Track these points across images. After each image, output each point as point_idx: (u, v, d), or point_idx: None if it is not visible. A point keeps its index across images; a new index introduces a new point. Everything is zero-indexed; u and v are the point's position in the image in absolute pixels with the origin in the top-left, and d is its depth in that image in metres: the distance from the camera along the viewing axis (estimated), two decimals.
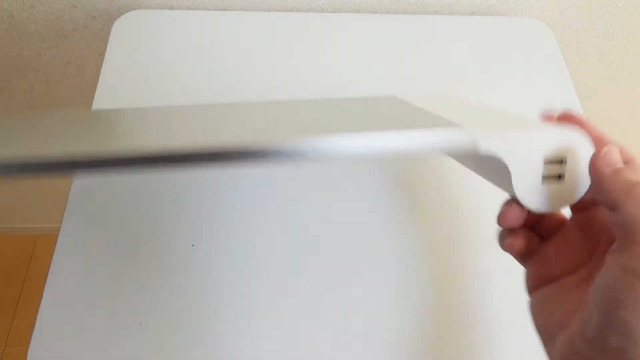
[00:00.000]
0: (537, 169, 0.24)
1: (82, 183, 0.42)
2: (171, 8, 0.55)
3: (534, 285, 0.26)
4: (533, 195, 0.25)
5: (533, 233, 0.27)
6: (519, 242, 0.26)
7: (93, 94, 0.47)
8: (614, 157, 0.23)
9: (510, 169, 0.24)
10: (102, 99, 0.47)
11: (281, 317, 0.37)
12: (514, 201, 0.26)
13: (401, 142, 0.23)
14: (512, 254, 0.27)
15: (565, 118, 0.26)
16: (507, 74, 0.53)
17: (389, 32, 0.54)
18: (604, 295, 0.20)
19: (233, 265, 0.39)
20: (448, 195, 0.44)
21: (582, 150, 0.24)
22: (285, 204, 0.42)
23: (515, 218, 0.26)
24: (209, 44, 0.52)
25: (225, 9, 0.55)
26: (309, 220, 0.42)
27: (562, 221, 0.27)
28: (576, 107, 0.51)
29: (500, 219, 0.26)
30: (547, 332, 0.24)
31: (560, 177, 0.25)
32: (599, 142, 0.24)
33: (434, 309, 0.38)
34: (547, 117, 0.27)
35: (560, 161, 0.25)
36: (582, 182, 0.25)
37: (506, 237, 0.27)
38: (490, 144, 0.24)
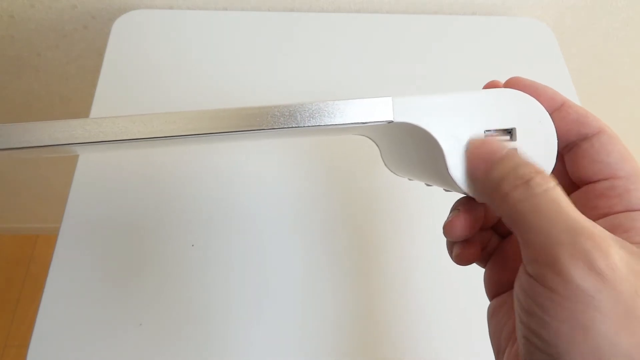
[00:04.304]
0: None
1: (82, 183, 0.42)
2: (171, 8, 0.55)
3: (492, 291, 0.22)
4: None
5: (490, 232, 0.23)
6: (470, 251, 0.22)
7: (93, 94, 0.47)
8: (492, 146, 0.18)
9: (440, 143, 0.20)
10: (102, 99, 0.47)
11: (283, 317, 0.37)
12: (462, 206, 0.21)
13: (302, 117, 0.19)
14: (462, 265, 0.22)
15: (511, 83, 0.21)
16: (507, 74, 0.52)
17: (389, 32, 0.54)
18: (518, 306, 0.17)
19: (233, 265, 0.39)
20: None
21: (535, 119, 0.20)
22: (286, 204, 0.42)
23: (466, 228, 0.21)
24: (208, 44, 0.52)
25: (225, 9, 0.55)
26: (310, 219, 0.42)
27: None
28: None
29: (447, 230, 0.21)
30: (497, 345, 0.20)
31: None
32: (552, 101, 0.20)
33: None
34: (490, 85, 0.23)
35: (509, 132, 0.20)
36: (542, 162, 0.20)
37: (452, 246, 0.22)
38: (406, 111, 0.20)
